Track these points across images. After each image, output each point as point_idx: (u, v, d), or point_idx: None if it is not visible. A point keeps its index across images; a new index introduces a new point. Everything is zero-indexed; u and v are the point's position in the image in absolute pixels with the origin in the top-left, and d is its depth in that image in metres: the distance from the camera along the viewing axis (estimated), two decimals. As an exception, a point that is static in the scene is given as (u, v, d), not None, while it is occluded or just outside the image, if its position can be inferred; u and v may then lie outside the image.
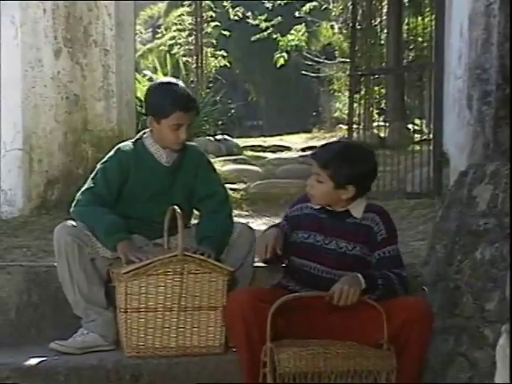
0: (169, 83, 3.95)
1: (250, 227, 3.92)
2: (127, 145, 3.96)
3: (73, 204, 3.89)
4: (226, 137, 12.95)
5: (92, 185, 3.89)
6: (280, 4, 20.41)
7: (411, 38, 10.77)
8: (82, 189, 3.91)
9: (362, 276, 3.49)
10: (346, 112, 9.41)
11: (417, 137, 9.29)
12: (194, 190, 3.94)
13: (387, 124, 9.82)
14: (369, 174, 3.65)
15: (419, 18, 9.80)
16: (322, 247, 3.64)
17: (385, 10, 11.85)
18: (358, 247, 3.63)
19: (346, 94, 14.23)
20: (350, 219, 3.65)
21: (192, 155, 3.97)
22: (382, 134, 9.33)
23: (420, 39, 9.51)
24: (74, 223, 3.81)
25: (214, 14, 20.20)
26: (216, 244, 3.79)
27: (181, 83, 3.93)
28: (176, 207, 3.65)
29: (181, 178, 3.92)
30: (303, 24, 19.45)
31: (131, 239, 3.79)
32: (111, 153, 3.95)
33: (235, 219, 4.04)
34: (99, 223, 3.78)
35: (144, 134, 3.96)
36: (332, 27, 19.68)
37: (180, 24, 20.57)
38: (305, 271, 3.67)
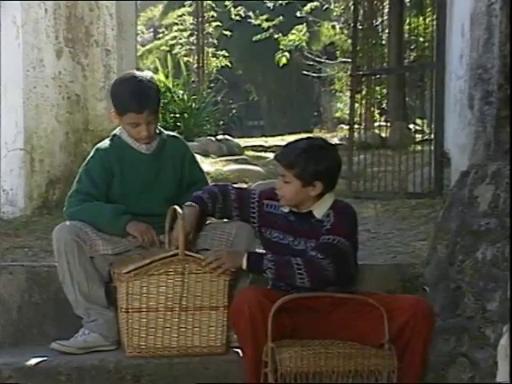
0: (127, 81, 3.94)
1: (249, 225, 3.92)
2: (105, 143, 3.99)
3: (64, 209, 3.91)
4: (227, 137, 12.93)
5: (78, 186, 3.90)
6: (281, 4, 20.43)
7: (413, 37, 10.75)
8: (69, 192, 3.92)
9: (251, 255, 3.57)
10: (348, 112, 9.40)
11: (418, 137, 9.29)
12: (183, 178, 3.99)
13: (388, 124, 9.79)
14: (334, 168, 3.66)
15: (421, 18, 9.77)
16: (293, 248, 3.66)
17: (386, 10, 11.85)
18: None
19: (348, 94, 14.24)
20: (314, 219, 3.67)
21: (173, 143, 4.02)
22: (383, 134, 9.31)
23: (421, 39, 9.49)
24: (73, 222, 3.81)
25: (215, 14, 20.20)
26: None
27: (142, 79, 3.88)
28: (177, 207, 3.66)
29: (167, 165, 3.95)
30: (304, 24, 19.45)
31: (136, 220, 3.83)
32: (91, 154, 3.97)
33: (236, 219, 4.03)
34: (101, 213, 3.81)
35: (119, 129, 3.98)
36: (333, 27, 19.67)
37: (181, 24, 20.58)
38: None
